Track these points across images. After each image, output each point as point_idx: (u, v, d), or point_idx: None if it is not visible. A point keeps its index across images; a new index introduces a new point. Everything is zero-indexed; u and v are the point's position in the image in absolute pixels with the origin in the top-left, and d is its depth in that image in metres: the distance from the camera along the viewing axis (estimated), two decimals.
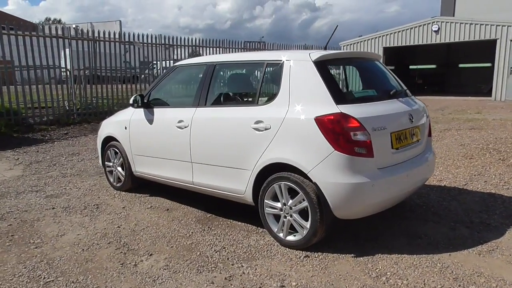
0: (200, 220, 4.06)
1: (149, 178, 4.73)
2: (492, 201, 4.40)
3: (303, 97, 3.24)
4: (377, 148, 3.11)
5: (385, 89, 3.82)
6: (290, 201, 3.28)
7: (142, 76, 13.21)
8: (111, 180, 5.24)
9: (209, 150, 3.84)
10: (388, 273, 2.89)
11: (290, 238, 3.35)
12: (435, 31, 18.75)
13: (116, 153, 5.04)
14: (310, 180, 3.12)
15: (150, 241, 3.57)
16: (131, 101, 4.64)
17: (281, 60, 3.46)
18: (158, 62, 12.90)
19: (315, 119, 3.07)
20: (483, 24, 17.50)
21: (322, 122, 3.04)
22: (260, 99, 3.61)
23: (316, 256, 3.19)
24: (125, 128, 4.81)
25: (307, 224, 3.19)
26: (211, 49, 14.04)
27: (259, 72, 3.78)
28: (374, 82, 4.03)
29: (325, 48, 3.90)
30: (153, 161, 4.49)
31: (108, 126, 5.19)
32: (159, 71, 13.13)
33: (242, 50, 15.14)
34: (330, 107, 3.08)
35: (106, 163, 5.26)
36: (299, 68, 3.34)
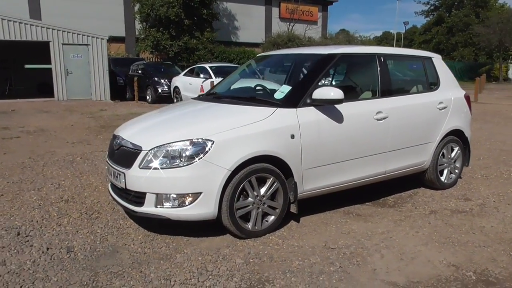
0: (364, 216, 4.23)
1: (317, 194, 3.75)
2: None
3: (449, 83, 4.80)
4: None
5: None
6: (452, 154, 4.78)
7: None
8: (248, 226, 3.28)
9: (404, 135, 4.21)
10: None
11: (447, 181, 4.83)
12: None
13: (272, 182, 3.33)
14: (463, 135, 4.83)
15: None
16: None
17: (430, 57, 4.68)
18: None
19: (464, 96, 4.85)
20: (33, 25, 17.31)
21: (468, 98, 4.91)
22: (429, 86, 4.58)
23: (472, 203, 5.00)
24: (292, 137, 3.38)
25: (458, 164, 4.91)
26: None
27: (418, 65, 4.60)
28: None
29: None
30: (336, 167, 3.73)
31: (252, 142, 3.19)
32: None
33: None
34: (461, 90, 4.94)
35: (237, 203, 3.16)
36: (441, 63, 4.78)
